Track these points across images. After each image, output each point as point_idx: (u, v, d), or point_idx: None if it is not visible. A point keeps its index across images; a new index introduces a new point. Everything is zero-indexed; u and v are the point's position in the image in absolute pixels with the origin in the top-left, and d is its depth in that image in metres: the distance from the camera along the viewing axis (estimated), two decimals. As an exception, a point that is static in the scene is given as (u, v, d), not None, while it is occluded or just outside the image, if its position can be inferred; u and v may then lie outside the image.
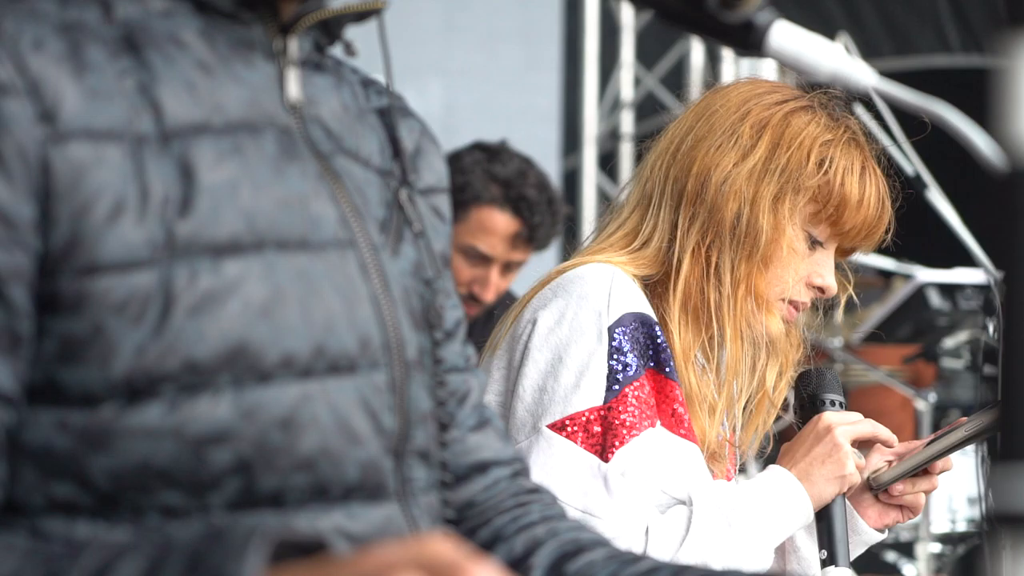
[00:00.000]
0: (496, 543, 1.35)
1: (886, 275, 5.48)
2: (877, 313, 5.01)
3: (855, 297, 2.21)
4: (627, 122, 6.54)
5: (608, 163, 6.40)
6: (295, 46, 1.24)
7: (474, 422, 1.38)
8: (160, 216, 1.11)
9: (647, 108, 6.46)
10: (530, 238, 3.89)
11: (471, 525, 1.36)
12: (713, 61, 6.45)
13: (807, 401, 2.16)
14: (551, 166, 6.56)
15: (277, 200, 1.17)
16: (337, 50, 1.32)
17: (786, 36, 1.20)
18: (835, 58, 1.20)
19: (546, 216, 3.90)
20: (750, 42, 1.20)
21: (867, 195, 2.08)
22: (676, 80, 6.30)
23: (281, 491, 1.14)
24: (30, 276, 1.08)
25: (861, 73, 1.19)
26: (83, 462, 1.09)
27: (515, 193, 3.86)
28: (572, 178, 6.57)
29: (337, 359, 1.17)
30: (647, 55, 6.60)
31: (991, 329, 4.64)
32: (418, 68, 6.08)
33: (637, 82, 6.61)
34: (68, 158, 1.09)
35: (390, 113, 1.35)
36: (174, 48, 1.17)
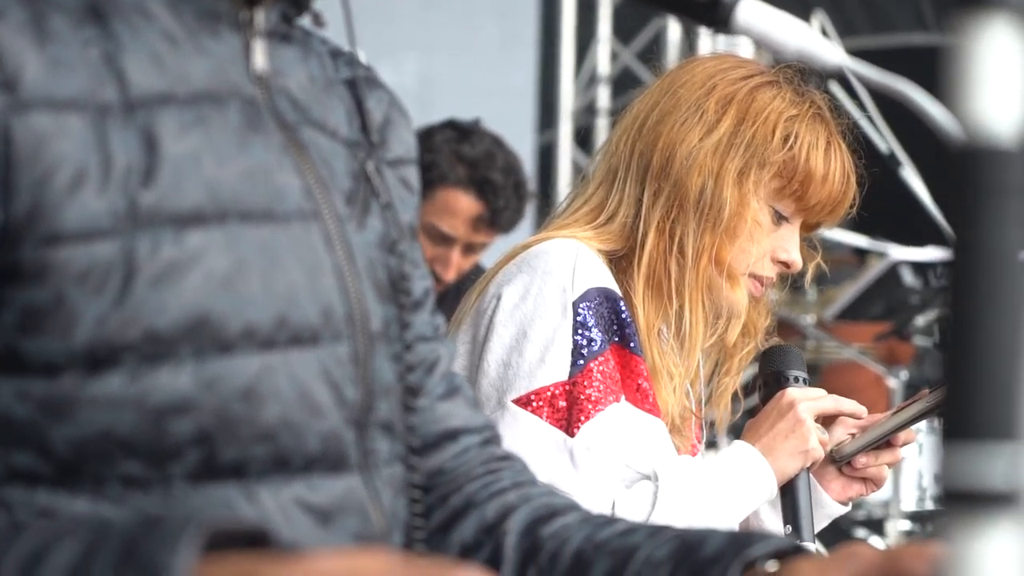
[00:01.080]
0: (468, 509, 1.35)
1: (860, 253, 5.49)
2: (850, 291, 5.03)
3: (826, 271, 2.22)
4: (603, 97, 6.55)
5: (584, 138, 6.40)
6: (261, 17, 1.24)
7: (443, 390, 1.38)
8: (123, 186, 1.11)
9: (624, 83, 6.47)
10: (493, 222, 3.89)
11: (442, 492, 1.36)
12: (690, 36, 6.45)
13: (771, 378, 2.17)
14: (527, 141, 6.56)
15: (240, 171, 1.17)
16: (306, 21, 1.32)
17: (753, 13, 1.20)
18: (802, 36, 1.20)
19: (511, 200, 3.90)
20: (717, 19, 1.20)
21: (832, 170, 2.08)
22: (653, 55, 6.31)
23: (242, 462, 1.14)
24: None
25: (827, 51, 1.19)
26: (44, 431, 1.09)
27: (480, 176, 3.86)
28: (548, 153, 6.57)
29: (299, 330, 1.17)
30: (624, 30, 6.60)
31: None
32: (394, 43, 6.07)
33: (614, 57, 6.62)
34: (29, 127, 1.09)
35: (358, 84, 1.35)
36: (140, 18, 1.17)
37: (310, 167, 1.23)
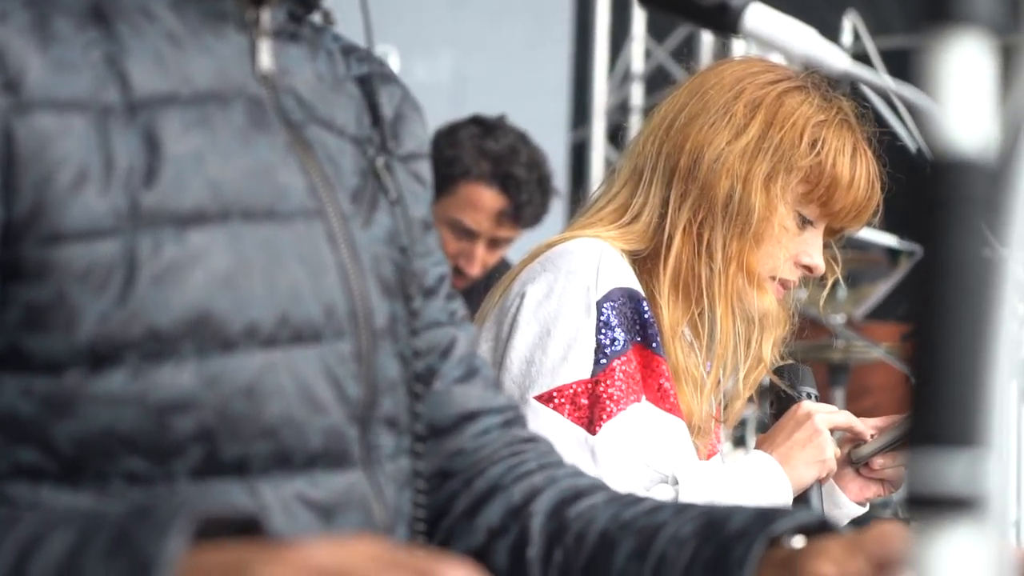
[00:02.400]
0: (494, 493, 1.35)
1: (892, 253, 5.48)
2: (880, 290, 5.02)
3: (840, 278, 2.23)
4: (637, 95, 6.54)
5: (617, 136, 6.40)
6: (267, 17, 1.25)
7: (460, 373, 1.38)
8: (125, 186, 1.12)
9: (657, 81, 6.46)
10: (516, 216, 3.90)
11: (466, 476, 1.37)
12: (723, 34, 6.43)
13: (784, 394, 2.19)
14: (559, 139, 6.56)
15: (244, 170, 1.18)
16: (317, 18, 1.32)
17: (761, 18, 1.22)
18: (809, 41, 1.21)
19: (535, 195, 3.90)
20: (725, 23, 1.21)
21: (857, 176, 2.09)
22: (686, 53, 6.30)
23: (244, 458, 1.15)
24: None
25: (833, 56, 1.20)
26: (47, 428, 1.11)
27: (504, 170, 3.87)
28: (580, 151, 6.57)
29: (301, 328, 1.18)
30: (658, 28, 6.60)
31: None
32: (428, 40, 6.08)
33: (648, 55, 6.61)
34: (31, 127, 1.10)
35: (370, 80, 1.36)
36: (143, 19, 1.18)
37: (315, 165, 1.24)
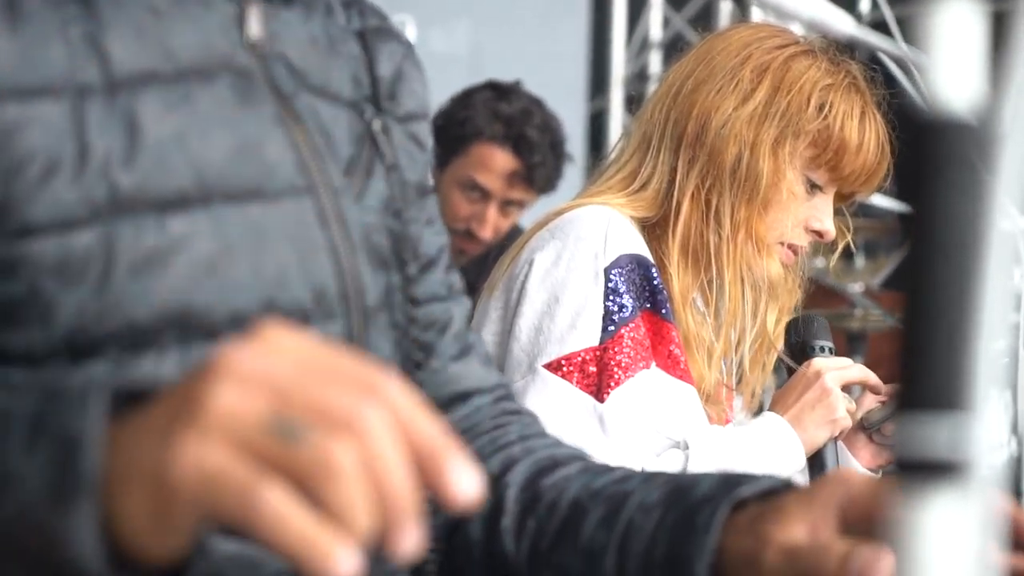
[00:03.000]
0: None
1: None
2: (897, 259, 5.01)
3: (854, 245, 2.23)
4: (655, 63, 6.52)
5: (635, 104, 6.38)
6: None
7: (456, 351, 1.37)
8: (102, 173, 1.08)
9: (675, 49, 6.43)
10: (528, 178, 3.90)
11: None
12: (741, 2, 6.41)
13: (796, 348, 2.18)
14: (577, 108, 6.55)
15: (228, 149, 1.14)
16: None
17: (766, -18, 1.21)
18: (815, 5, 1.20)
19: (547, 157, 3.90)
20: (732, -13, 1.20)
21: (866, 140, 2.09)
22: (705, 21, 6.27)
23: None
24: None
25: (839, 20, 1.19)
26: None
27: (516, 132, 3.88)
28: (599, 119, 6.56)
29: (289, 313, 1.15)
30: (676, -4, 6.57)
31: (1014, 276, 4.63)
32: (445, 10, 6.07)
33: (666, 23, 6.58)
34: None
35: (368, 36, 1.32)
36: None
37: (305, 139, 1.20)
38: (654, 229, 2.10)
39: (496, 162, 3.90)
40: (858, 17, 5.01)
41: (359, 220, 1.23)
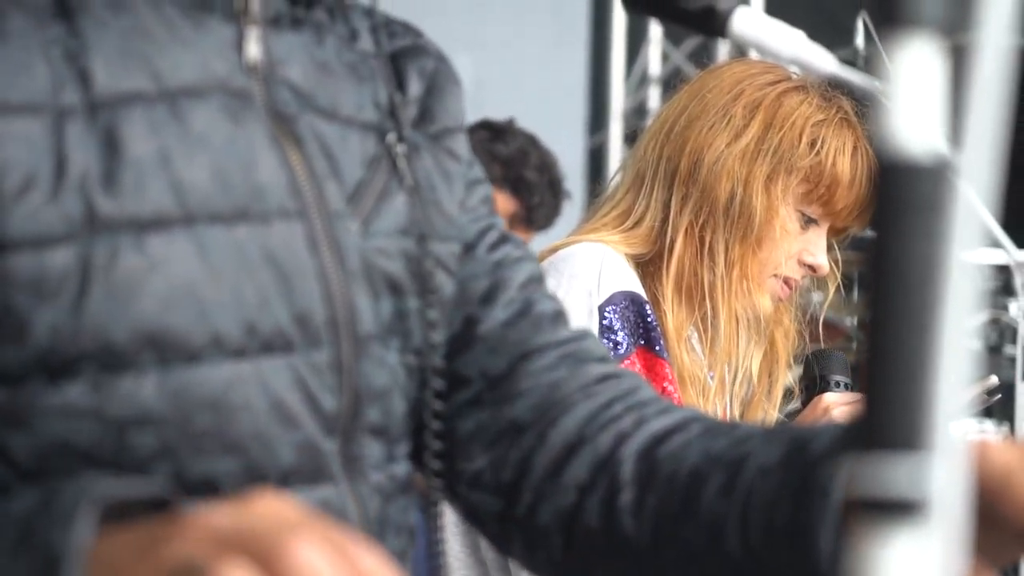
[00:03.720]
0: (579, 446, 1.25)
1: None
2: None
3: (849, 280, 2.23)
4: (654, 98, 6.54)
5: (634, 139, 6.39)
6: (257, 4, 1.18)
7: (508, 315, 1.30)
8: (79, 191, 1.06)
9: (674, 84, 6.45)
10: (529, 220, 3.91)
11: (539, 429, 1.27)
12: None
13: (812, 382, 2.18)
14: (577, 142, 6.57)
15: (215, 170, 1.12)
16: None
17: (748, 21, 1.22)
18: (795, 43, 1.21)
19: (546, 197, 3.92)
20: (713, 27, 1.21)
21: (859, 175, 2.10)
22: (703, 56, 6.30)
23: (212, 476, 1.10)
24: None
25: (821, 59, 1.20)
26: (4, 439, 1.06)
27: (515, 174, 3.89)
28: (598, 154, 6.58)
29: (270, 338, 1.12)
30: (675, 30, 6.60)
31: (1011, 309, 4.62)
32: (447, 43, 6.08)
33: (665, 58, 6.61)
34: None
35: (400, 56, 1.29)
36: (110, 14, 1.12)
37: (301, 161, 1.17)
38: (648, 266, 2.11)
39: (496, 206, 3.91)
40: (855, 51, 5.03)
41: (358, 245, 1.19)
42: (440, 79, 1.31)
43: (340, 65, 1.24)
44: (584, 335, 1.33)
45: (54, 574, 0.85)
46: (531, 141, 3.99)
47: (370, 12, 1.29)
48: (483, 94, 6.34)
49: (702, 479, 1.18)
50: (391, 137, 1.25)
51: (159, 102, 1.11)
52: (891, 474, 0.54)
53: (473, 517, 1.32)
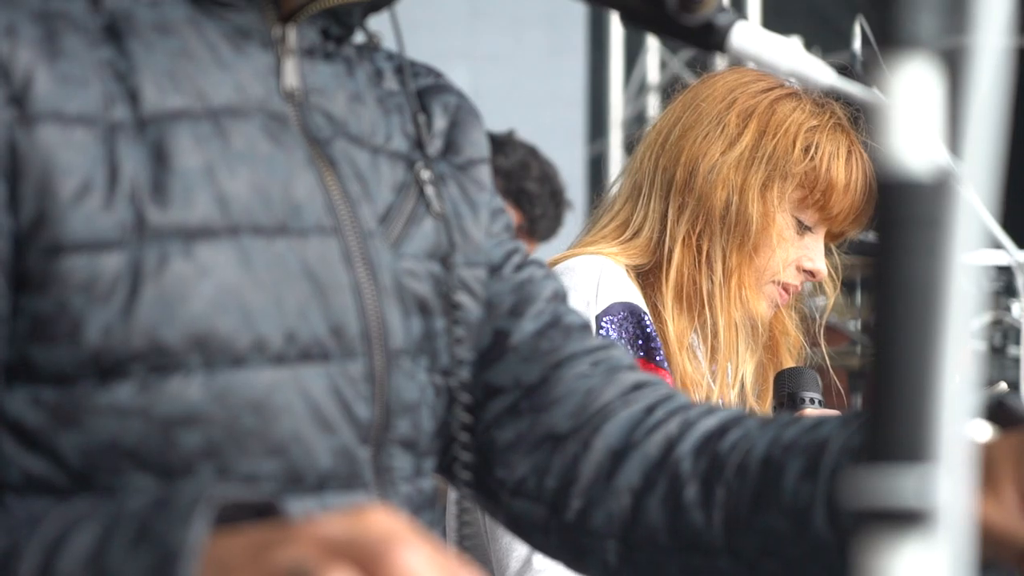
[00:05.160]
0: (628, 452, 1.29)
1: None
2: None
3: (846, 284, 2.24)
4: (653, 106, 6.56)
5: (633, 148, 6.40)
6: (294, 35, 1.24)
7: (537, 326, 1.34)
8: (130, 199, 1.12)
9: (672, 92, 6.45)
10: (531, 231, 3.93)
11: (582, 437, 1.30)
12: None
13: (786, 399, 2.18)
14: (577, 151, 6.58)
15: (255, 185, 1.18)
16: (360, 39, 1.31)
17: (747, 36, 1.23)
18: (794, 56, 1.22)
19: (548, 208, 3.93)
20: (712, 42, 1.22)
21: (854, 179, 2.11)
22: (701, 63, 6.32)
23: (255, 476, 1.14)
24: (4, 255, 1.11)
25: (819, 71, 1.21)
26: (54, 438, 1.11)
27: (516, 186, 3.90)
28: (598, 163, 6.59)
29: (309, 347, 1.17)
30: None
31: (1014, 310, 4.63)
32: (444, 54, 6.10)
33: (663, 65, 6.63)
34: (35, 140, 1.11)
35: (424, 93, 1.35)
36: (157, 36, 1.18)
37: (336, 183, 1.23)
38: (648, 276, 2.12)
39: None
40: (852, 56, 5.04)
41: (390, 264, 1.25)
42: (462, 114, 1.37)
43: (370, 97, 1.30)
44: (612, 344, 1.37)
45: (170, 570, 0.89)
46: (531, 152, 4.00)
47: (391, 54, 1.35)
48: (481, 104, 6.34)
49: (779, 466, 1.21)
50: (419, 166, 1.30)
51: (203, 119, 1.17)
52: (898, 485, 0.55)
53: (516, 526, 1.35)
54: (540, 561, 1.97)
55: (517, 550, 1.99)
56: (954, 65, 0.60)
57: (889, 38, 0.59)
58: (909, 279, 0.58)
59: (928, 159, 0.59)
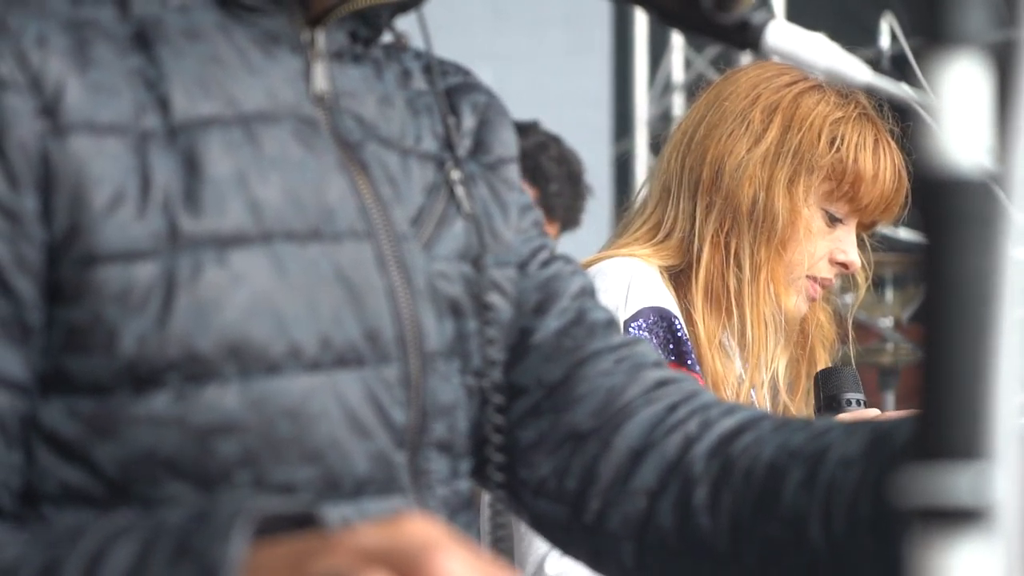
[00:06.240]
0: (645, 451, 1.28)
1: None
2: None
3: (882, 280, 2.24)
4: (678, 105, 6.54)
5: (659, 147, 6.39)
6: (323, 38, 1.24)
7: (561, 323, 1.32)
8: (163, 208, 1.12)
9: (697, 90, 6.44)
10: (547, 206, 3.92)
11: (603, 436, 1.29)
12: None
13: (825, 402, 2.17)
14: (602, 151, 6.57)
15: (288, 191, 1.17)
16: (388, 39, 1.31)
17: (782, 34, 1.23)
18: (830, 54, 1.22)
19: (564, 187, 3.93)
20: (747, 41, 1.22)
21: (882, 169, 2.10)
22: (726, 62, 6.31)
23: (291, 484, 1.14)
24: (37, 267, 1.10)
25: (855, 69, 1.21)
26: (91, 449, 1.11)
27: (532, 163, 3.91)
28: (624, 162, 6.58)
29: (343, 352, 1.17)
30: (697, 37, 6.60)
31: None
32: (467, 54, 6.09)
33: (688, 64, 6.61)
34: (67, 150, 1.11)
35: (453, 93, 1.34)
36: (186, 43, 1.18)
37: (368, 186, 1.22)
38: (679, 276, 2.11)
39: None
40: (879, 52, 5.02)
41: (424, 267, 1.24)
42: (491, 113, 1.36)
43: (399, 99, 1.30)
44: (637, 341, 1.35)
45: None
46: (553, 139, 4.02)
47: (419, 54, 1.35)
48: (506, 102, 6.33)
49: (781, 473, 1.20)
50: (449, 166, 1.30)
51: (234, 125, 1.17)
52: (953, 483, 0.55)
53: (539, 525, 1.35)
54: (552, 567, 1.97)
55: (533, 553, 1.99)
56: (1002, 60, 0.60)
57: (936, 34, 0.59)
58: (960, 277, 0.58)
59: (977, 156, 0.58)
